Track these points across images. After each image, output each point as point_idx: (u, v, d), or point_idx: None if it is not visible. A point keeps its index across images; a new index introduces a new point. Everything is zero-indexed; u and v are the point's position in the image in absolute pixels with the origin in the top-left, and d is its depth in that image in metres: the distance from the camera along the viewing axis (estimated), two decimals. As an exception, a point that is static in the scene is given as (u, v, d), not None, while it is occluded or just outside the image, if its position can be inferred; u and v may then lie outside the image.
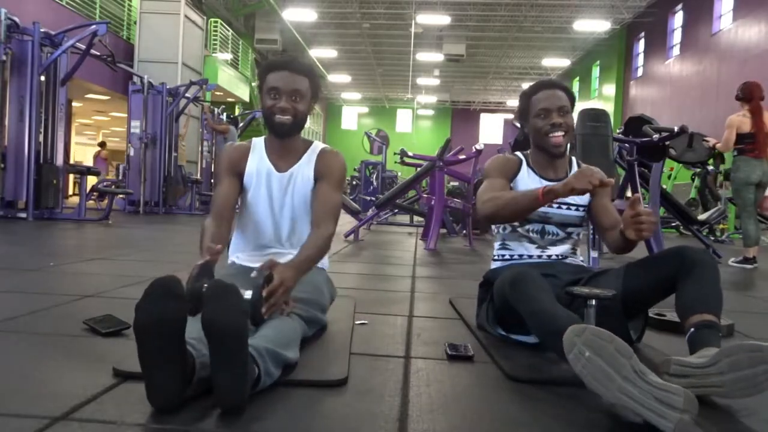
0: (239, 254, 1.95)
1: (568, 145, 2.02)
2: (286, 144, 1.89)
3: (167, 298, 1.20)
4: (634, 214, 1.60)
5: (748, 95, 5.08)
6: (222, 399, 1.20)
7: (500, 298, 1.77)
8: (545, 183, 1.95)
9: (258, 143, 1.96)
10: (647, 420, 1.17)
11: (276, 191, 1.90)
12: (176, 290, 1.22)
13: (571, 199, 1.98)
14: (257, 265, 1.83)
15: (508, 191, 1.93)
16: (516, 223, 2.00)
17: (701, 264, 1.60)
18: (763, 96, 5.14)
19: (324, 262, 2.00)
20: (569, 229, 2.02)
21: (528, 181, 2.00)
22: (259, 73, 1.89)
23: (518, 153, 2.08)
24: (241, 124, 13.41)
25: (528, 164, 2.04)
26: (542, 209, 1.91)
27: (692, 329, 1.51)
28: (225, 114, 10.06)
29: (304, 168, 1.91)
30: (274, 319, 1.51)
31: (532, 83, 2.10)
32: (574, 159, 2.13)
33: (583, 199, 2.02)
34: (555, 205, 1.97)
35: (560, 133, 1.93)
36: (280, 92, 1.79)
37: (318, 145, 1.96)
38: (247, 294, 1.39)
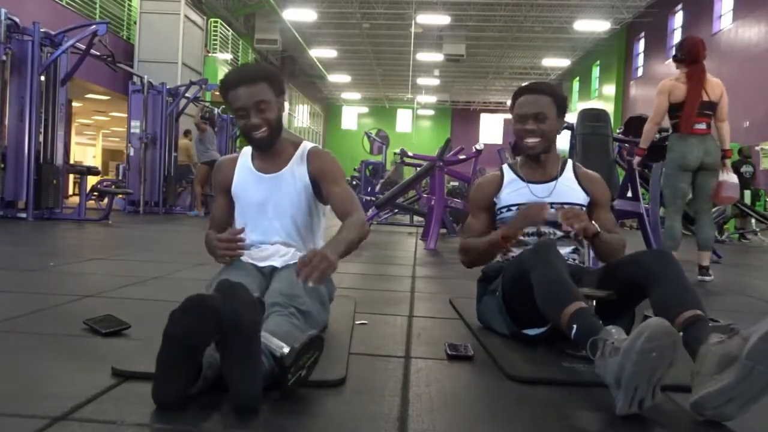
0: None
1: (551, 146, 2.06)
2: (272, 151, 1.91)
3: (201, 317, 1.21)
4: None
5: (693, 55, 3.93)
6: (238, 396, 1.21)
7: (515, 270, 1.76)
8: (530, 186, 2.05)
9: (246, 152, 1.98)
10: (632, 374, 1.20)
11: (266, 192, 1.91)
12: (211, 313, 1.22)
13: (568, 199, 2.02)
14: (255, 261, 1.86)
15: (475, 240, 2.05)
16: None
17: (661, 266, 1.60)
18: (705, 55, 4.00)
19: None
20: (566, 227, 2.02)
21: (512, 189, 2.06)
22: (220, 91, 1.89)
23: (505, 165, 2.15)
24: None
25: (514, 171, 2.10)
26: None
27: (681, 333, 1.45)
28: (200, 115, 10.05)
29: (295, 168, 1.92)
30: (275, 319, 1.51)
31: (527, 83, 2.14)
32: (569, 161, 2.15)
33: (581, 199, 2.05)
34: (552, 208, 1.96)
35: (533, 139, 2.01)
36: (247, 110, 1.77)
37: (306, 145, 1.97)
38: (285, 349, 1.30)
